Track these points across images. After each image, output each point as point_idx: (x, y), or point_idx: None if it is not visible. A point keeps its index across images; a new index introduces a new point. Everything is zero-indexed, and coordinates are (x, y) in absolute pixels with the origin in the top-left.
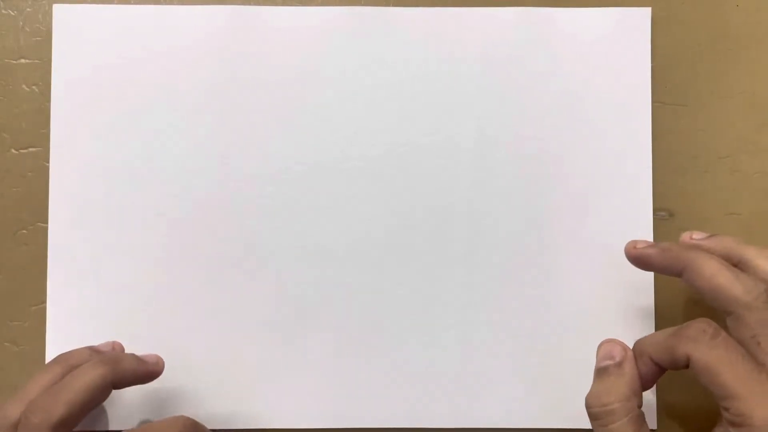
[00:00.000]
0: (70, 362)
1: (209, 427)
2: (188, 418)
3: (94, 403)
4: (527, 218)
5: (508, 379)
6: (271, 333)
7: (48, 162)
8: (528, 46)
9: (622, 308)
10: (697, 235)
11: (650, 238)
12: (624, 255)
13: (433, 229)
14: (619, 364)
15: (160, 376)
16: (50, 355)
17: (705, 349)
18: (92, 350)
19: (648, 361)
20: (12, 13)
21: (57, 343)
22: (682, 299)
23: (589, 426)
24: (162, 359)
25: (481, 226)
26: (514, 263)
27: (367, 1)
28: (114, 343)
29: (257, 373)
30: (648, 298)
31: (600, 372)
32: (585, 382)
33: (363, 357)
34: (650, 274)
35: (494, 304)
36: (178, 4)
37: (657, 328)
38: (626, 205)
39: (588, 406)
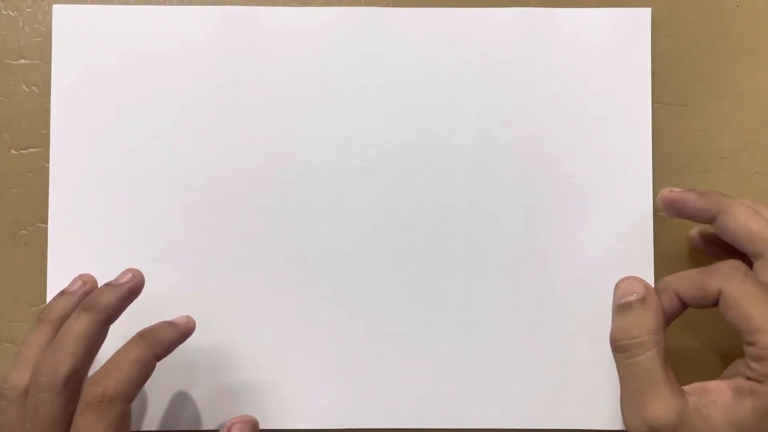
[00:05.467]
0: (52, 316)
1: (208, 426)
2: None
3: (95, 349)
4: (527, 218)
5: (508, 379)
6: (269, 333)
7: (48, 162)
8: (528, 46)
9: None
10: None
11: (650, 238)
12: (621, 255)
13: (433, 229)
14: (643, 299)
15: (158, 383)
16: None
17: (737, 283)
18: (66, 294)
19: (673, 296)
20: (12, 14)
21: None
22: None
23: (589, 426)
24: (138, 271)
25: (481, 226)
26: (514, 263)
27: (367, 1)
28: (81, 277)
29: (256, 374)
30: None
31: (624, 307)
32: (585, 382)
33: (362, 357)
34: (650, 273)
35: (494, 304)
36: (177, 4)
37: None
38: (626, 205)
39: (614, 340)
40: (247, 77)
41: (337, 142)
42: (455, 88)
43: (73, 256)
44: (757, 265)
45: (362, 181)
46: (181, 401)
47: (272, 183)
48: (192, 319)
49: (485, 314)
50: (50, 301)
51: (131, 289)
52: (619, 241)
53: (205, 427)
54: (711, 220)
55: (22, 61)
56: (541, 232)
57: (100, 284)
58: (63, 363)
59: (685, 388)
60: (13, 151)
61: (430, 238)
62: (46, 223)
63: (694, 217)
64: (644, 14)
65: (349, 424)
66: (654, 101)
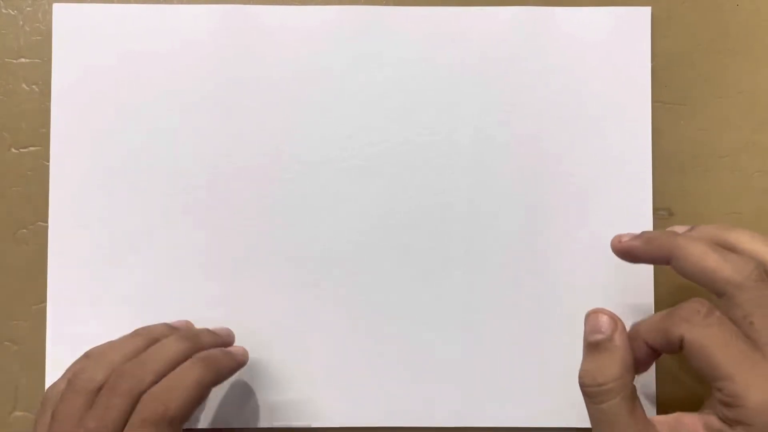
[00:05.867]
0: (151, 335)
1: (207, 426)
2: None
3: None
4: (527, 218)
5: (508, 379)
6: (268, 333)
7: (48, 162)
8: (527, 45)
9: (621, 308)
10: (679, 229)
11: None
12: None
13: (433, 228)
14: (611, 338)
15: None
16: (50, 354)
17: (698, 329)
18: (169, 326)
19: (642, 344)
20: (12, 13)
21: (57, 343)
22: (681, 298)
23: (588, 426)
24: (232, 332)
25: (481, 226)
26: (514, 263)
27: (367, 1)
28: (187, 322)
29: (256, 373)
30: (648, 298)
31: (592, 347)
32: None
33: (362, 357)
34: (650, 273)
35: (494, 304)
36: (177, 3)
37: None
38: (626, 205)
39: (582, 385)
40: (247, 76)
41: (337, 140)
42: (455, 87)
43: (73, 256)
44: (720, 303)
45: (362, 180)
46: None
47: (272, 182)
48: (247, 352)
49: (485, 314)
50: (153, 325)
51: (237, 365)
52: None
53: (199, 426)
54: (666, 263)
55: (22, 60)
56: (541, 232)
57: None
58: (148, 376)
59: (662, 420)
60: (13, 149)
61: (430, 238)
62: (47, 221)
63: (650, 262)
64: (644, 14)
65: (349, 424)
66: (654, 101)
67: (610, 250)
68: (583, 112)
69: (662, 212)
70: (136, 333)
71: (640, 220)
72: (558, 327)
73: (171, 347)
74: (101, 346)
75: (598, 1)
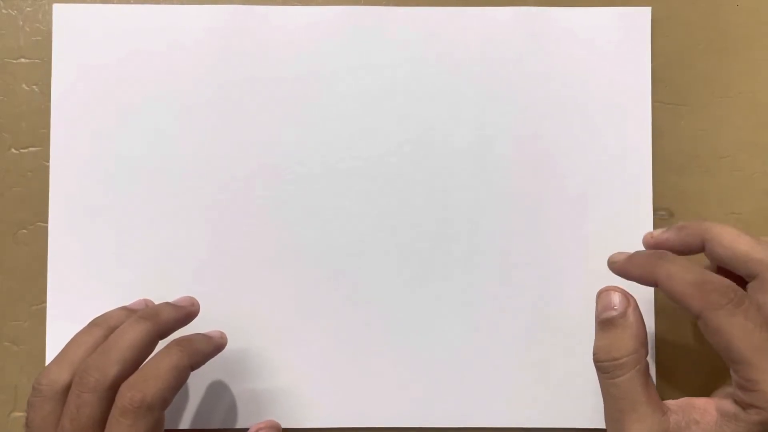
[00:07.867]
0: (109, 324)
1: (206, 426)
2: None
3: (143, 359)
4: (527, 218)
5: (509, 379)
6: (270, 332)
7: (48, 162)
8: (527, 45)
9: None
10: None
11: None
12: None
13: (433, 229)
14: (624, 314)
15: None
16: (50, 355)
17: (723, 315)
18: (127, 309)
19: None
20: (12, 13)
21: (57, 343)
22: None
23: (589, 426)
24: (196, 300)
25: (482, 226)
26: (514, 264)
27: (367, 1)
28: (146, 300)
29: (256, 373)
30: (648, 297)
31: (606, 323)
32: (586, 383)
33: (363, 357)
34: None
35: (495, 304)
36: (178, 3)
37: (656, 326)
38: (626, 205)
39: (597, 360)
40: (247, 76)
41: (337, 141)
42: (455, 87)
43: (73, 256)
44: (750, 286)
45: (362, 180)
46: (176, 401)
47: (271, 182)
48: (225, 335)
49: (485, 314)
50: (110, 311)
51: (188, 314)
52: (619, 241)
53: (198, 426)
54: (700, 250)
55: (22, 60)
56: (541, 232)
57: (102, 293)
58: (113, 365)
59: (672, 402)
60: (13, 150)
61: (430, 238)
62: (47, 222)
63: (684, 252)
64: (644, 14)
65: (349, 424)
66: (654, 101)
67: (611, 251)
68: (583, 112)
69: (662, 212)
70: (94, 323)
71: (640, 220)
72: (558, 327)
73: (131, 330)
74: (64, 346)
75: (598, 1)
